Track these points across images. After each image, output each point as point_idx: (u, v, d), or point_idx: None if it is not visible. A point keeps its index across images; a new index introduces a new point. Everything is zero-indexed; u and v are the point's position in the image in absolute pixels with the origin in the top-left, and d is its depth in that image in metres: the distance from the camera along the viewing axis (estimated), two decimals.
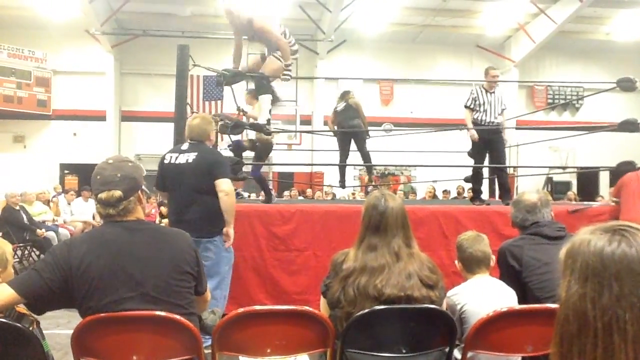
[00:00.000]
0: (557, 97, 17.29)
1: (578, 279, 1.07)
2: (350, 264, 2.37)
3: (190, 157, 4.16)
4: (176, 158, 4.21)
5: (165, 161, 4.28)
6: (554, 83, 16.96)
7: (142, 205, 2.26)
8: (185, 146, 4.29)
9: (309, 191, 13.93)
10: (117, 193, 2.13)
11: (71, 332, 2.07)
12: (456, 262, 2.97)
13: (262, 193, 6.91)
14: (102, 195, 2.14)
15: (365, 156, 7.96)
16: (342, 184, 8.53)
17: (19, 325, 2.01)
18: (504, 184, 6.61)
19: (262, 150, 6.44)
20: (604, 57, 16.96)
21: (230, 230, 4.20)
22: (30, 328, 2.13)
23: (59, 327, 4.42)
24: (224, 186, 4.10)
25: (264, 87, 6.02)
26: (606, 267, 1.04)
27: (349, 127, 7.64)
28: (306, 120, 15.48)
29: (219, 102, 14.57)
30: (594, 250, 1.06)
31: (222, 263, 4.23)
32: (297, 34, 14.64)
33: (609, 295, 1.02)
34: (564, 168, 14.59)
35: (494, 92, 6.55)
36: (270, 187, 7.82)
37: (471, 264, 2.86)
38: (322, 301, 2.54)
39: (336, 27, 14.63)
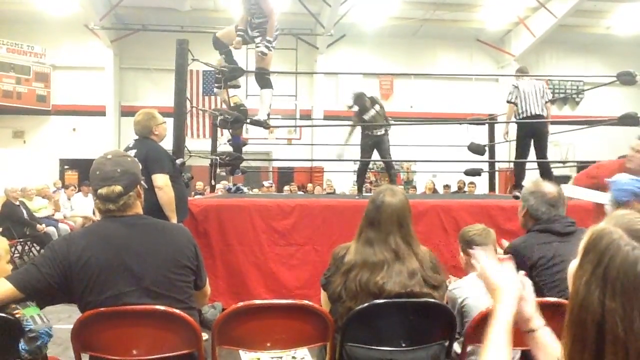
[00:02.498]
0: (557, 91, 17.24)
1: (602, 287, 0.99)
2: (351, 257, 2.37)
3: (132, 154, 4.23)
4: None
5: None
6: (554, 77, 16.93)
7: (140, 200, 2.26)
8: (131, 143, 4.43)
9: (309, 186, 13.93)
10: (118, 188, 2.12)
11: (72, 326, 2.08)
12: (461, 254, 2.94)
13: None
14: (103, 191, 2.13)
15: (388, 164, 7.67)
16: (360, 193, 7.76)
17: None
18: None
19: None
20: (604, 51, 16.92)
21: None
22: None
23: (60, 322, 4.40)
24: (158, 181, 4.20)
25: (265, 81, 6.00)
26: (639, 289, 0.96)
27: (377, 137, 7.24)
28: (306, 115, 15.46)
29: (218, 97, 14.54)
30: (626, 264, 0.98)
31: None
32: (296, 28, 14.78)
33: (639, 320, 0.95)
34: (563, 162, 14.58)
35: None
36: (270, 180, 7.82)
37: None
38: (323, 294, 2.54)
39: (336, 21, 14.59)
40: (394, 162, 7.91)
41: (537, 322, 1.46)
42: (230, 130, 7.06)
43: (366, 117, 7.20)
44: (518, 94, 6.44)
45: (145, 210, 4.08)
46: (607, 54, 16.81)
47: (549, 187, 2.93)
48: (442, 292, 2.37)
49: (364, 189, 8.61)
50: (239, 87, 6.58)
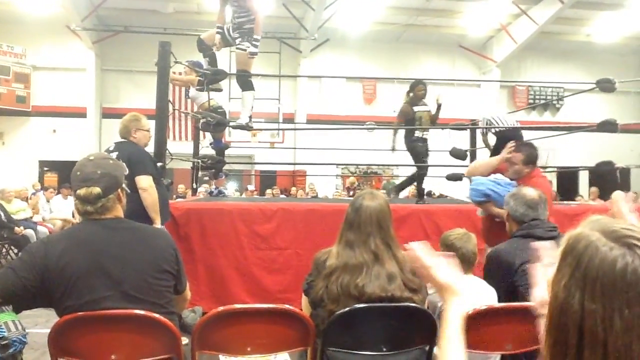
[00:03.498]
0: (538, 97, 17.45)
1: (582, 289, 1.00)
2: (333, 260, 2.37)
3: (113, 156, 4.23)
4: None
5: None
6: (535, 83, 17.12)
7: (122, 204, 2.23)
8: (112, 146, 4.39)
9: (292, 189, 13.93)
10: (96, 190, 2.10)
11: (49, 331, 2.05)
12: None
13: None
14: (81, 192, 2.11)
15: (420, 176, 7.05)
16: (422, 199, 7.10)
17: None
18: None
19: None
20: (584, 58, 17.16)
21: (157, 226, 4.23)
22: None
23: (37, 326, 4.35)
24: (142, 183, 4.18)
25: (247, 84, 5.99)
26: (617, 288, 0.96)
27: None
28: (289, 119, 15.46)
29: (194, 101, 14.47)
30: (605, 265, 0.98)
31: None
32: (280, 31, 14.76)
33: (620, 320, 0.96)
34: (544, 168, 14.72)
35: None
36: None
37: (461, 262, 2.85)
38: (304, 299, 2.54)
39: (319, 25, 14.61)
40: (376, 166, 7.79)
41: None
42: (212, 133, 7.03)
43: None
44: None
45: (128, 212, 4.12)
46: (587, 61, 17.06)
47: (529, 191, 3.00)
48: (422, 296, 2.38)
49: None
50: (221, 90, 6.55)
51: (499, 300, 2.70)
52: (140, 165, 4.24)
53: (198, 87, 6.58)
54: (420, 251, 1.55)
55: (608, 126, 5.98)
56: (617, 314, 0.96)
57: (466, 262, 2.84)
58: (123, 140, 4.44)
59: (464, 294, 1.46)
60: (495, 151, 6.53)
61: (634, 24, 15.43)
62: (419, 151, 6.69)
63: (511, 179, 4.01)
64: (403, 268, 2.35)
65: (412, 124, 6.63)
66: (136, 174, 4.15)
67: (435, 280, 1.50)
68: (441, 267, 1.51)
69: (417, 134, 6.67)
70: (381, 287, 2.27)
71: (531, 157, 4.02)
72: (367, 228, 2.39)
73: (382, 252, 2.35)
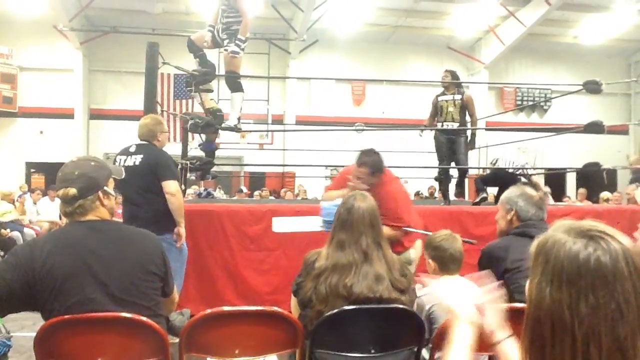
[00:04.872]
0: (525, 98, 17.57)
1: (551, 281, 1.06)
2: (322, 262, 2.38)
3: (137, 159, 4.25)
4: (124, 161, 4.30)
5: (116, 163, 4.35)
6: (523, 85, 17.24)
7: (105, 205, 2.21)
8: (132, 148, 4.36)
9: (282, 191, 13.91)
10: (72, 191, 2.09)
11: (35, 334, 2.02)
12: (429, 261, 2.96)
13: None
14: (59, 193, 2.12)
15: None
16: (447, 200, 6.89)
17: None
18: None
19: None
20: (571, 59, 17.30)
21: (181, 229, 4.31)
22: None
23: (23, 329, 4.31)
24: (170, 188, 4.20)
25: (236, 85, 5.97)
26: (582, 275, 1.03)
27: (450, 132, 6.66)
28: (278, 120, 15.44)
29: (189, 100, 14.42)
30: (569, 256, 1.05)
31: (173, 260, 4.24)
32: (269, 32, 14.75)
33: (585, 305, 1.02)
34: (532, 169, 14.82)
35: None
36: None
37: (448, 263, 2.85)
38: (293, 300, 2.54)
39: (308, 26, 14.62)
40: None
41: (501, 334, 1.50)
42: (202, 135, 6.99)
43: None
44: None
45: (151, 214, 4.10)
46: (574, 62, 17.22)
47: (532, 191, 3.01)
48: (410, 297, 2.39)
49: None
50: (211, 91, 6.52)
51: None
52: (169, 170, 4.27)
53: (189, 88, 6.55)
54: (430, 282, 1.69)
55: (595, 127, 6.03)
56: (582, 300, 1.02)
57: (455, 263, 2.86)
58: (144, 142, 4.39)
59: (469, 319, 1.50)
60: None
61: (620, 25, 15.61)
62: (436, 145, 6.66)
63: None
64: (392, 268, 2.36)
65: (437, 114, 6.66)
66: (164, 178, 4.19)
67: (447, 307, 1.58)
68: (448, 294, 1.58)
69: (439, 124, 6.64)
70: (369, 288, 2.28)
71: (375, 165, 3.85)
72: (360, 227, 2.41)
73: (372, 252, 2.37)
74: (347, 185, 3.83)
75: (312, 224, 3.57)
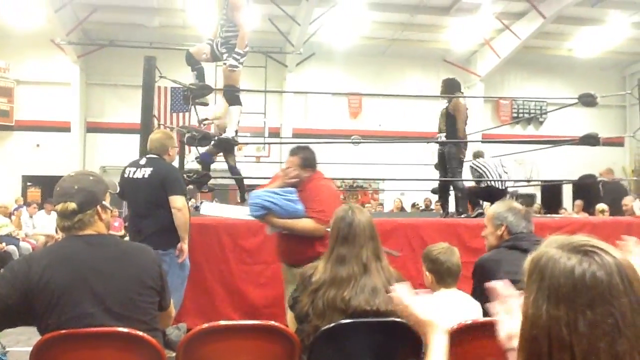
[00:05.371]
0: (521, 111, 17.65)
1: (548, 298, 1.05)
2: (320, 276, 2.37)
3: (147, 172, 4.24)
4: (134, 173, 4.30)
5: (125, 175, 4.37)
6: (519, 98, 17.33)
7: (102, 220, 2.21)
8: (143, 161, 4.38)
9: None
10: (72, 205, 2.09)
11: (31, 349, 2.01)
12: (427, 273, 2.95)
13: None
14: (58, 207, 2.12)
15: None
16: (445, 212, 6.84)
17: None
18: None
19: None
20: (566, 72, 17.41)
21: (184, 245, 4.29)
22: None
23: (19, 344, 4.28)
24: (177, 203, 4.19)
25: (234, 99, 5.99)
26: (578, 292, 1.02)
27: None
28: (275, 133, 15.47)
29: (186, 114, 14.45)
30: (565, 273, 1.05)
31: (175, 276, 4.23)
32: (266, 46, 14.82)
33: (583, 321, 1.01)
34: (528, 181, 14.86)
35: None
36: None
37: (445, 276, 2.85)
38: (289, 315, 2.53)
39: (305, 40, 14.70)
40: (362, 180, 7.74)
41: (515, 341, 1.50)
42: (199, 148, 7.01)
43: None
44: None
45: (157, 228, 4.10)
46: (569, 75, 17.32)
47: (517, 205, 3.05)
48: None
49: None
50: (207, 104, 6.55)
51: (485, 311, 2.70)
52: (177, 184, 4.27)
53: (185, 102, 6.57)
54: (400, 292, 1.67)
55: (590, 140, 6.06)
56: (580, 316, 1.01)
57: (452, 276, 2.85)
58: (155, 156, 4.39)
59: (444, 329, 1.57)
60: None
61: (614, 38, 15.71)
62: (438, 158, 6.73)
63: (292, 186, 3.80)
64: (389, 280, 2.36)
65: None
66: (172, 193, 4.18)
67: (415, 317, 1.62)
68: (419, 304, 1.62)
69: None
70: (366, 301, 2.28)
71: (308, 160, 3.84)
72: (361, 241, 2.42)
73: (371, 264, 2.39)
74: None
75: (240, 212, 3.56)
